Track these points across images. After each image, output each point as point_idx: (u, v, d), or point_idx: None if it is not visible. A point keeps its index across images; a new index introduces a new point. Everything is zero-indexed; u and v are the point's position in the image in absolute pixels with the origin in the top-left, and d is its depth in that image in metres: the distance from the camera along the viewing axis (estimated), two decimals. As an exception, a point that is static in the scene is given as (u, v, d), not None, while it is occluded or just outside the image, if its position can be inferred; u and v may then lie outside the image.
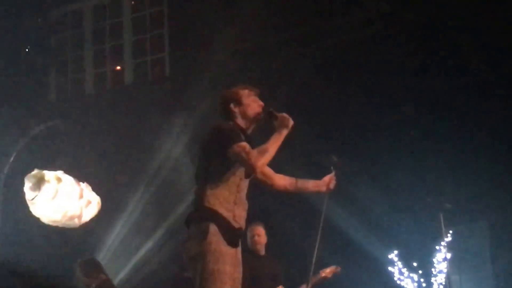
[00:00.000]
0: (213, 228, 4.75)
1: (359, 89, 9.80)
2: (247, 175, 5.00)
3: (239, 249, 4.98)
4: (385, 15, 9.93)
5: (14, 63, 11.11)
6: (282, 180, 5.40)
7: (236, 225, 4.90)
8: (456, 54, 9.39)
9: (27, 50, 11.19)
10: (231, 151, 4.74)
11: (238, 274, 4.93)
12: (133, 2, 12.54)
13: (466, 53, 9.27)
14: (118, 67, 12.46)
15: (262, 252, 7.77)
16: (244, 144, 4.77)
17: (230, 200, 4.88)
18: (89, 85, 12.47)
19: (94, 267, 7.61)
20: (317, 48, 10.13)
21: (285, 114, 4.94)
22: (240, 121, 5.06)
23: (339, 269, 7.80)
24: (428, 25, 9.67)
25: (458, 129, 9.51)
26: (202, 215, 4.81)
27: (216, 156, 4.86)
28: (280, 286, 7.62)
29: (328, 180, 5.49)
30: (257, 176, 5.17)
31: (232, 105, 5.07)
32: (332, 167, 5.56)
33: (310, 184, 5.55)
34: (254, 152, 4.74)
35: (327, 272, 7.76)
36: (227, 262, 4.77)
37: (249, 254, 7.24)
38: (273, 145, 4.84)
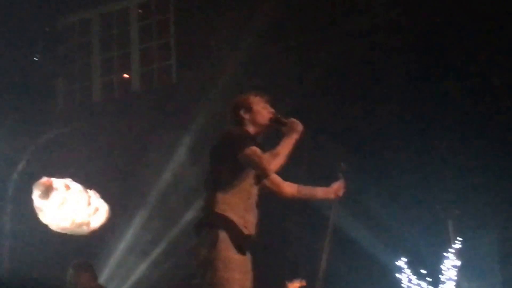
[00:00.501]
0: (223, 235, 4.73)
1: (365, 96, 9.77)
2: (258, 180, 4.99)
3: (249, 256, 4.97)
4: (392, 20, 9.92)
5: (22, 71, 11.12)
6: (290, 188, 5.39)
7: (247, 232, 4.88)
8: (465, 58, 9.36)
9: (35, 58, 11.19)
10: (242, 155, 4.72)
11: (248, 281, 4.91)
12: (140, 11, 12.56)
13: (475, 58, 9.23)
14: (126, 75, 12.48)
15: None
16: (255, 148, 4.76)
17: (241, 207, 4.87)
18: (96, 93, 12.49)
19: (87, 271, 7.56)
20: (324, 55, 10.11)
21: (293, 119, 4.94)
22: (250, 128, 5.04)
23: (303, 283, 7.73)
24: (434, 31, 9.64)
25: (467, 136, 9.47)
26: (213, 221, 4.80)
27: (226, 162, 4.85)
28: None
29: (337, 188, 5.48)
30: (266, 183, 5.17)
31: (242, 112, 5.06)
32: (340, 174, 5.55)
33: (318, 192, 5.53)
34: (266, 155, 4.74)
35: (293, 286, 7.67)
36: (237, 270, 4.74)
37: None
38: (285, 149, 4.82)
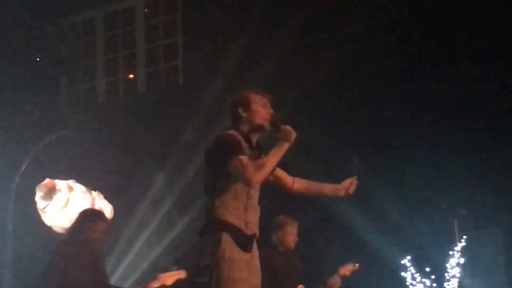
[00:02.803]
0: (225, 236, 4.73)
1: (374, 94, 9.79)
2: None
3: (256, 253, 4.94)
4: (404, 20, 9.91)
5: (26, 72, 11.11)
6: (298, 184, 5.36)
7: (249, 232, 4.88)
8: (475, 58, 9.33)
9: (38, 59, 11.18)
10: (230, 163, 4.70)
11: (256, 280, 4.90)
12: (146, 10, 12.51)
13: (486, 57, 9.20)
14: (131, 76, 12.45)
15: (290, 249, 7.70)
16: (241, 157, 4.73)
17: (241, 208, 4.87)
18: (101, 93, 12.47)
19: (98, 217, 7.29)
20: (333, 55, 10.13)
21: (288, 127, 4.88)
22: (245, 127, 5.01)
23: (357, 266, 7.69)
24: (446, 30, 9.63)
25: (473, 135, 9.44)
26: (213, 227, 4.78)
27: (220, 167, 4.83)
28: (300, 285, 7.52)
29: (348, 185, 5.40)
30: (271, 178, 5.12)
31: (240, 110, 5.02)
32: (353, 171, 5.45)
33: (328, 188, 5.47)
34: (251, 167, 4.70)
35: (345, 270, 7.63)
36: (242, 269, 4.75)
37: (272, 249, 7.19)
38: (271, 159, 4.82)
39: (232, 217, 4.80)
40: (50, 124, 11.32)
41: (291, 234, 7.65)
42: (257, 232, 4.97)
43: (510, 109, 9.25)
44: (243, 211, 4.86)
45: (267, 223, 7.56)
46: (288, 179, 5.32)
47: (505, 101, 9.23)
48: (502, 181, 9.41)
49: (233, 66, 10.70)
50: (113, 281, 9.80)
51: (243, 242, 4.80)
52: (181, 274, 7.10)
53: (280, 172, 5.26)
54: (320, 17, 10.40)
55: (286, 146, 4.84)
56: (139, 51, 12.37)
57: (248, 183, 4.77)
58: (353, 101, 9.83)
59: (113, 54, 12.57)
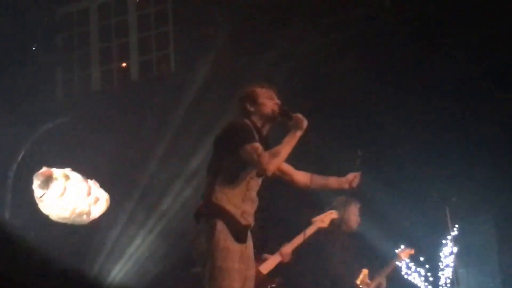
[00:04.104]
0: (220, 225, 4.81)
1: (362, 83, 9.75)
2: (259, 174, 5.03)
3: (250, 244, 5.02)
4: (386, 10, 9.89)
5: (21, 61, 11.12)
6: (301, 177, 5.43)
7: (244, 222, 4.95)
8: (462, 45, 9.31)
9: (34, 48, 11.20)
10: (243, 151, 4.77)
11: (249, 270, 4.96)
12: (137, 0, 12.57)
13: (472, 45, 9.20)
14: (124, 64, 12.50)
15: (352, 230, 7.88)
16: (257, 145, 4.80)
17: (239, 197, 4.93)
18: (96, 82, 12.52)
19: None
20: (318, 44, 10.08)
21: (299, 115, 4.97)
22: (256, 120, 5.09)
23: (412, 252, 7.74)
24: (431, 19, 9.61)
25: (464, 123, 9.49)
26: (209, 211, 4.86)
27: (227, 153, 4.91)
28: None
29: (352, 178, 5.50)
30: (278, 173, 5.21)
31: (248, 105, 5.12)
32: (356, 164, 5.57)
33: (333, 181, 5.56)
34: (266, 155, 4.78)
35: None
36: (236, 260, 4.84)
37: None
38: (286, 147, 4.89)
39: (229, 205, 4.88)
40: (45, 112, 11.35)
41: (354, 214, 7.79)
42: (252, 223, 5.08)
43: (500, 96, 9.22)
44: (241, 201, 4.95)
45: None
46: (294, 173, 5.41)
47: (496, 87, 9.18)
48: (494, 169, 9.44)
49: (223, 55, 10.73)
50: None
51: (238, 232, 4.89)
52: (333, 214, 7.32)
53: (286, 166, 5.35)
54: (306, 6, 10.37)
55: (299, 134, 4.94)
56: (131, 40, 12.44)
57: (263, 171, 4.85)
58: (341, 91, 9.80)
59: (106, 43, 12.63)
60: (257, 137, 4.95)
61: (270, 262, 7.33)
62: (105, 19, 12.65)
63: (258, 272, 6.87)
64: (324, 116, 8.89)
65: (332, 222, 7.55)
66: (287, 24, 10.35)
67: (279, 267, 7.37)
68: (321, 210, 7.75)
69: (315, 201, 8.11)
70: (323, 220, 7.49)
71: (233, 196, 4.92)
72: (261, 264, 7.19)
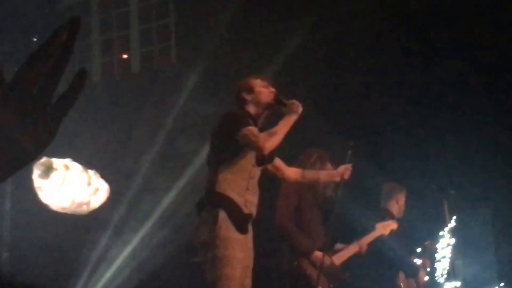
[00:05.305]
0: (222, 215, 4.88)
1: (360, 76, 9.76)
2: (260, 163, 5.10)
3: (250, 235, 5.07)
4: (386, 4, 9.89)
5: (22, 53, 11.14)
6: (293, 173, 5.53)
7: (247, 211, 5.01)
8: (460, 41, 9.34)
9: (35, 40, 11.24)
10: (240, 134, 4.86)
11: (249, 259, 5.02)
12: (139, -9, 12.60)
13: (472, 40, 9.22)
14: (125, 56, 12.54)
15: (400, 216, 8.04)
16: (252, 128, 4.89)
17: (242, 186, 5.01)
18: (97, 73, 12.56)
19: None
20: (317, 38, 10.09)
21: (294, 101, 5.06)
22: (252, 108, 5.19)
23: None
24: (430, 13, 9.63)
25: (462, 115, 9.48)
26: (212, 201, 4.93)
27: (226, 142, 4.99)
28: None
29: (343, 170, 5.57)
30: (269, 168, 5.27)
31: (244, 94, 5.23)
32: (348, 156, 5.62)
33: (323, 175, 5.64)
34: (262, 134, 4.87)
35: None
36: (237, 248, 4.94)
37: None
38: (282, 128, 4.98)
39: (233, 193, 4.97)
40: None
41: (402, 201, 7.86)
42: (254, 213, 5.14)
43: (497, 89, 9.27)
44: (245, 189, 5.03)
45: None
46: (286, 169, 5.50)
47: (492, 81, 9.25)
48: (492, 161, 9.46)
49: (225, 47, 10.76)
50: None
51: (240, 222, 4.95)
52: (394, 225, 7.33)
53: (278, 162, 5.42)
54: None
55: (294, 117, 5.05)
56: (133, 32, 12.47)
57: (260, 150, 4.93)
58: (338, 84, 9.81)
59: (107, 35, 12.67)
60: (252, 122, 5.02)
61: (346, 253, 7.29)
62: (106, 11, 12.67)
63: (331, 263, 6.84)
64: (320, 107, 8.92)
65: (391, 232, 7.66)
66: (292, 18, 10.37)
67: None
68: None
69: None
70: (385, 227, 7.60)
71: (237, 185, 5.00)
72: (333, 254, 7.16)
